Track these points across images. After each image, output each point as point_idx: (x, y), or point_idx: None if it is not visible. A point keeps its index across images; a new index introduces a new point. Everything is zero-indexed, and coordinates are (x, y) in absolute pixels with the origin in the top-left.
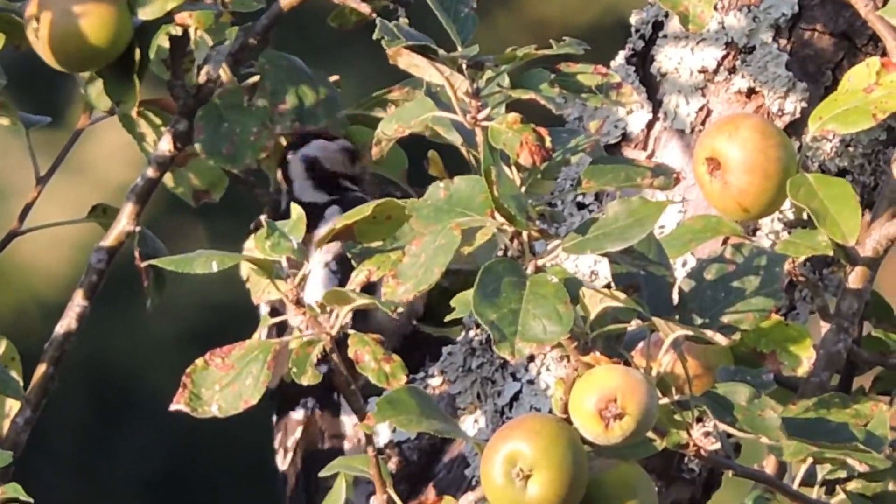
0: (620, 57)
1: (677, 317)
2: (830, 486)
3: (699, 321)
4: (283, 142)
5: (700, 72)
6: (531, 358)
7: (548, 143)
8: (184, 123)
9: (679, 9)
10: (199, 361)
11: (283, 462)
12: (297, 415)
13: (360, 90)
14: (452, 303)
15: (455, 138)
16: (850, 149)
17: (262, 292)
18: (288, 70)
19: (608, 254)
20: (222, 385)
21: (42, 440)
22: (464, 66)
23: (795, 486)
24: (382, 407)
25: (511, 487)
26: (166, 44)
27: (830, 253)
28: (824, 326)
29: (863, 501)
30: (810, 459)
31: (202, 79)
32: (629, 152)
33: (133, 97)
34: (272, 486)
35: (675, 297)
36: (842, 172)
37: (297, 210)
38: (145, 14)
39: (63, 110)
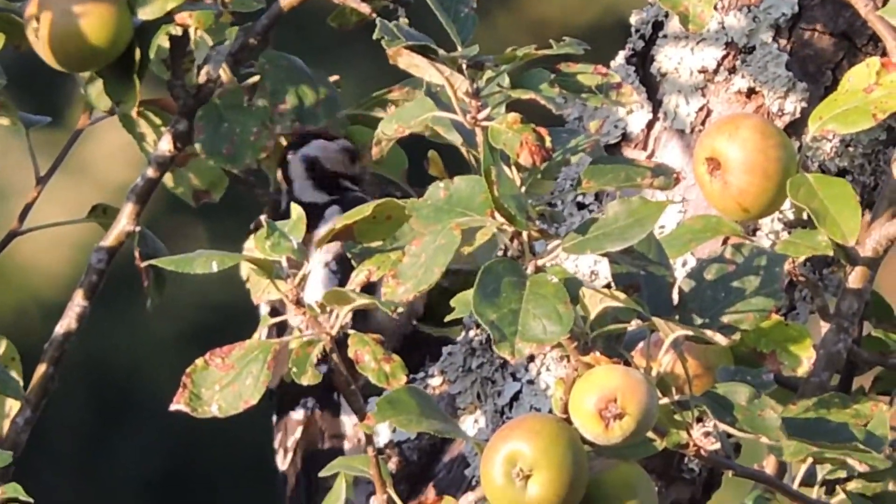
0: (620, 57)
1: (677, 317)
2: (830, 487)
3: (699, 321)
4: (283, 142)
5: (700, 72)
6: (531, 358)
7: (548, 143)
8: (184, 123)
9: (679, 9)
10: (198, 361)
11: (283, 462)
12: (297, 415)
13: (360, 90)
14: (452, 303)
15: (455, 138)
16: (850, 149)
17: (262, 292)
18: (288, 70)
19: (608, 254)
20: (222, 385)
21: (42, 440)
22: (464, 66)
23: (795, 486)
24: (382, 407)
25: (511, 487)
26: (166, 44)
27: (830, 253)
28: (824, 326)
29: (863, 501)
30: (810, 459)
31: (202, 79)
32: (629, 152)
33: (133, 97)
34: (272, 486)
35: (675, 297)
36: (842, 172)
37: (297, 210)
38: (145, 14)
39: (63, 110)
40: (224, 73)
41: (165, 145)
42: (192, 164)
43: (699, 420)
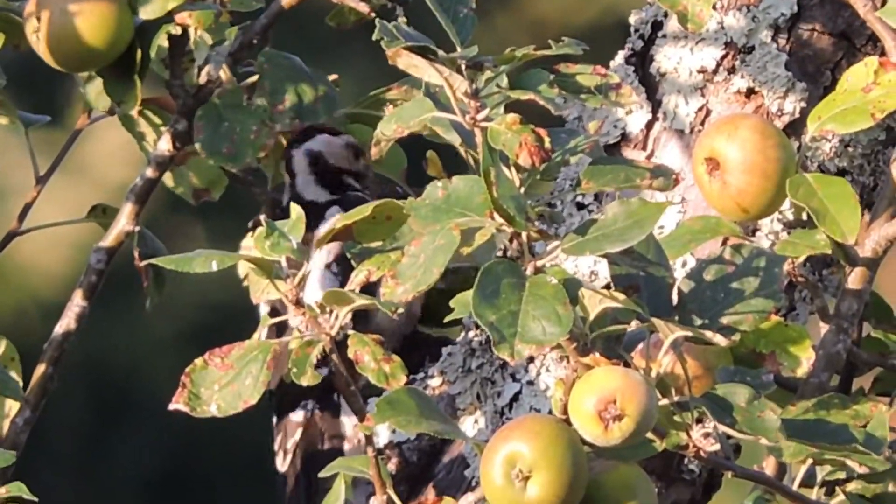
0: (619, 57)
1: (677, 318)
2: (830, 488)
3: (699, 322)
4: (283, 141)
5: (699, 72)
6: (531, 359)
7: (547, 144)
8: (183, 123)
9: (678, 8)
10: (198, 361)
11: (282, 464)
12: (297, 416)
13: (358, 89)
14: (452, 303)
15: (454, 139)
16: (850, 149)
17: (262, 292)
18: (287, 69)
19: (607, 255)
20: (221, 385)
21: (41, 440)
22: (463, 67)
23: (795, 487)
24: (382, 408)
25: (511, 488)
26: (166, 43)
27: (829, 251)
28: (824, 327)
29: (862, 503)
30: (810, 460)
31: (202, 79)
32: (628, 152)
33: (134, 97)
34: (271, 486)
35: (675, 297)
36: (841, 172)
37: (296, 210)
38: (146, 13)
39: (63, 110)
40: (224, 73)
41: (165, 145)
42: (192, 163)
43: (699, 421)
